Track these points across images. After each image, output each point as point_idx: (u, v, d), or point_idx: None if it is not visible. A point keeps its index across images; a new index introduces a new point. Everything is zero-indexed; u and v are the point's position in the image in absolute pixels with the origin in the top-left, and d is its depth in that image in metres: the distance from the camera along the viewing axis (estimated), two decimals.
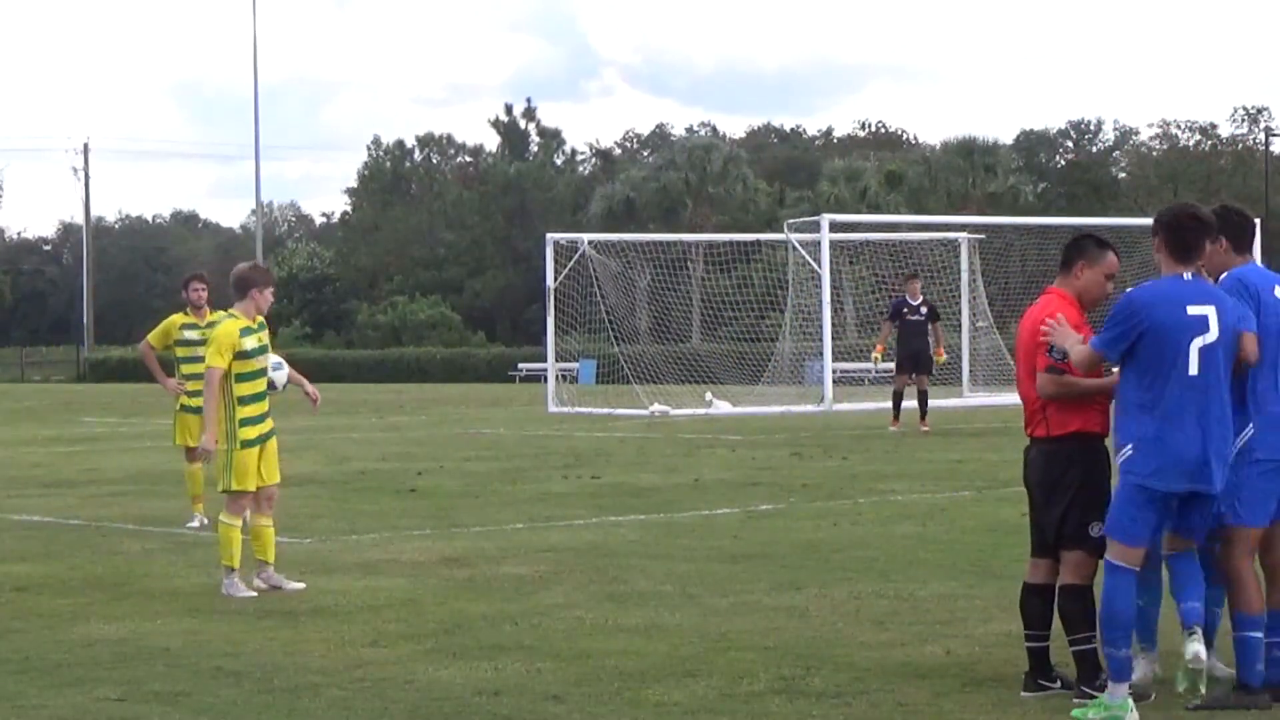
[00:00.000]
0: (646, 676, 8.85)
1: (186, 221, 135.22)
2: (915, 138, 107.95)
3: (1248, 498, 8.05)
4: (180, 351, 16.74)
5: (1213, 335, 7.85)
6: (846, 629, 10.14)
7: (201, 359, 14.51)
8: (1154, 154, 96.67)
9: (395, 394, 56.76)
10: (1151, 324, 7.83)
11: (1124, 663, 7.90)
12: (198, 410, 15.09)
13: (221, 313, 14.72)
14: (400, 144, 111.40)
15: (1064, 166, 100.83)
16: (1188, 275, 7.97)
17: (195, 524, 16.25)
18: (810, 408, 37.15)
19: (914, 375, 30.08)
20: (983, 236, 43.01)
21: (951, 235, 43.63)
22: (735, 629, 10.20)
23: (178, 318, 16.86)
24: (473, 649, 9.70)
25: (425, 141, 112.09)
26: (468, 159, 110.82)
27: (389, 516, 17.07)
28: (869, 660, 9.15)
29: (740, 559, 13.34)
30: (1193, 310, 7.85)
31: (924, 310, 30.22)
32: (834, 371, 39.20)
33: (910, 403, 30.48)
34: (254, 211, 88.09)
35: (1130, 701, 7.82)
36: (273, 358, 12.57)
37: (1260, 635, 8.00)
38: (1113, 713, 7.81)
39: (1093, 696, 8.02)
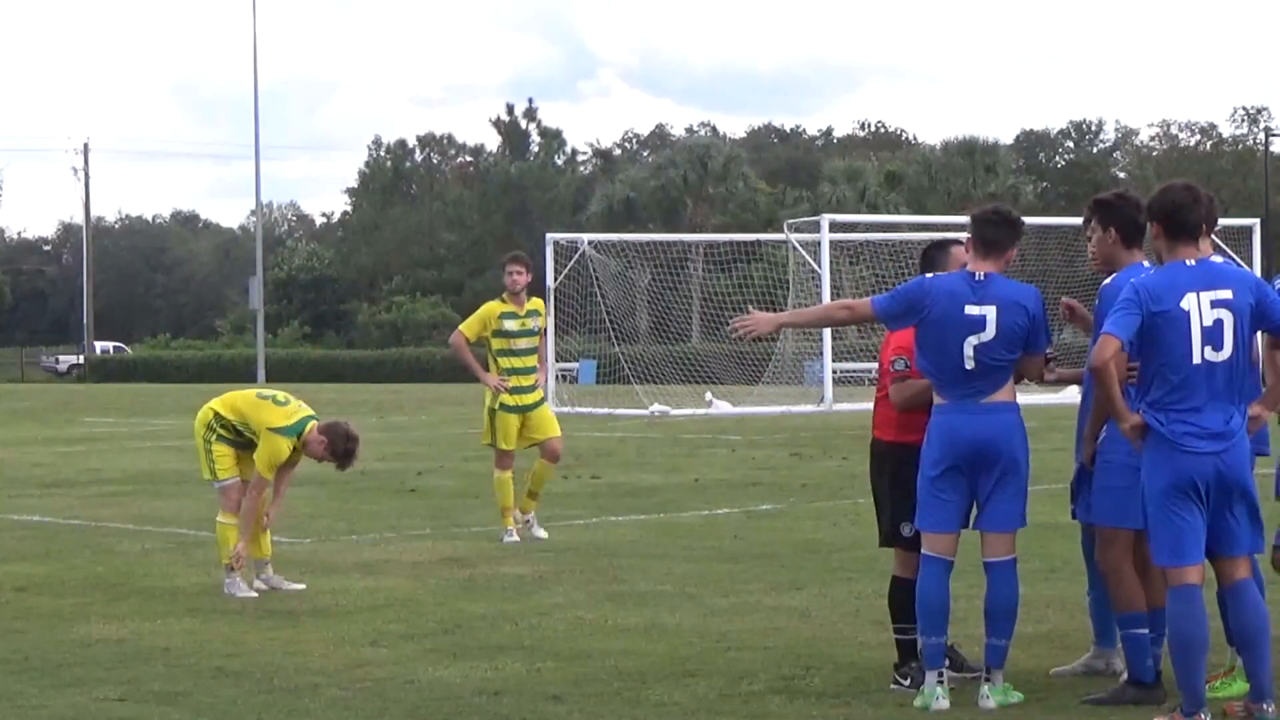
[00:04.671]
0: (646, 676, 8.84)
1: (186, 221, 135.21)
2: (915, 138, 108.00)
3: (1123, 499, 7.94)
4: (497, 344, 15.14)
5: (989, 334, 8.07)
6: (846, 629, 10.15)
7: (523, 351, 15.06)
8: (1154, 154, 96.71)
9: (395, 394, 56.73)
10: (932, 314, 8.11)
11: (935, 649, 8.08)
12: (519, 409, 15.26)
13: (540, 300, 15.36)
14: (400, 144, 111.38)
15: (1064, 166, 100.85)
16: (980, 275, 8.19)
17: (512, 538, 14.72)
18: (810, 408, 37.16)
19: None
20: None
21: (951, 235, 43.51)
22: (735, 629, 10.20)
23: (495, 306, 15.07)
24: (473, 649, 9.70)
25: (425, 141, 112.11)
26: (468, 159, 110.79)
27: (389, 516, 17.07)
28: (869, 660, 9.14)
29: (740, 559, 13.34)
30: (970, 310, 8.09)
31: None
32: (834, 371, 39.20)
33: None
34: (254, 211, 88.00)
35: (939, 689, 7.98)
36: None
37: (1146, 631, 8.05)
38: (924, 699, 8.00)
39: (899, 681, 8.37)
